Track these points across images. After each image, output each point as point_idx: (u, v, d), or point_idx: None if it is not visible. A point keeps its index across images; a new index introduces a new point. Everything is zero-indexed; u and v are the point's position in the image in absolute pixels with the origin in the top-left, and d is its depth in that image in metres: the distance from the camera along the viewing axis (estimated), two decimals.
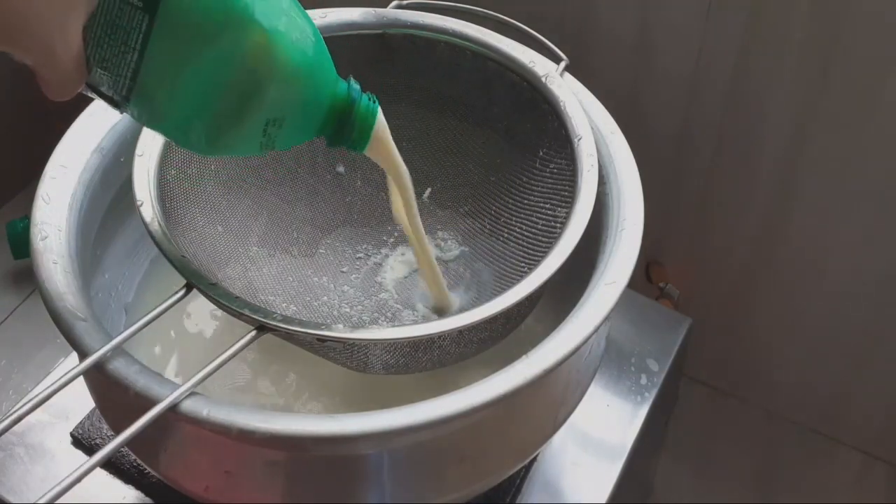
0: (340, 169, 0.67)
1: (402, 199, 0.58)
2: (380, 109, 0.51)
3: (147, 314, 0.50)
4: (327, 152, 0.66)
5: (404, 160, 0.66)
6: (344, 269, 0.65)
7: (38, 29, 0.40)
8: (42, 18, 0.40)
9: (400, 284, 0.64)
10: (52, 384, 0.46)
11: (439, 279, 0.61)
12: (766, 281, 0.91)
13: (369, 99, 0.50)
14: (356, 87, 0.50)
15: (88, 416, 0.68)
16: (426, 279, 0.62)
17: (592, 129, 0.59)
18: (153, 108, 0.45)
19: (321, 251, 0.66)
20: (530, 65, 0.61)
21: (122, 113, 0.46)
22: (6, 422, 0.44)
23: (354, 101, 0.49)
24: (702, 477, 1.08)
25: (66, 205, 0.57)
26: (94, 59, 0.43)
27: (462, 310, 0.53)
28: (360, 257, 0.66)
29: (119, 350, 0.48)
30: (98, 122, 0.61)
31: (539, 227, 0.60)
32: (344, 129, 0.50)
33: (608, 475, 0.68)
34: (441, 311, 0.62)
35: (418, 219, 0.59)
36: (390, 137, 0.54)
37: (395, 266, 0.66)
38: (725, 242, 0.91)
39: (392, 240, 0.67)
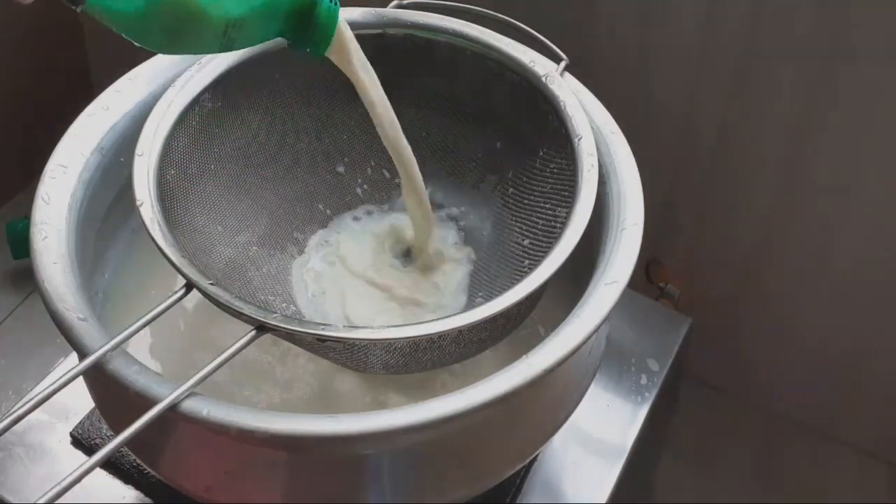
0: (340, 169, 0.67)
1: (371, 109, 0.59)
2: (342, 13, 0.53)
3: (147, 314, 0.50)
4: (327, 152, 0.66)
5: None
6: None
7: None
8: None
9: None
10: (52, 384, 0.46)
11: (425, 204, 0.62)
12: (766, 281, 0.91)
13: (331, 1, 0.51)
14: None
15: (88, 416, 0.68)
16: (408, 201, 0.62)
17: (592, 128, 0.59)
18: (112, 5, 0.45)
19: None
20: (530, 64, 0.61)
21: (80, 11, 0.46)
22: (6, 422, 0.44)
23: (315, 2, 0.50)
24: (702, 477, 1.08)
25: (66, 205, 0.57)
26: None
27: (462, 310, 0.53)
28: None
29: (119, 350, 0.48)
30: (98, 122, 0.61)
31: (539, 227, 0.60)
32: (306, 31, 0.51)
33: (608, 475, 0.68)
34: (421, 241, 0.63)
35: (396, 126, 0.59)
36: (352, 39, 0.56)
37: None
38: (725, 242, 0.91)
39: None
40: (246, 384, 0.61)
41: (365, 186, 0.68)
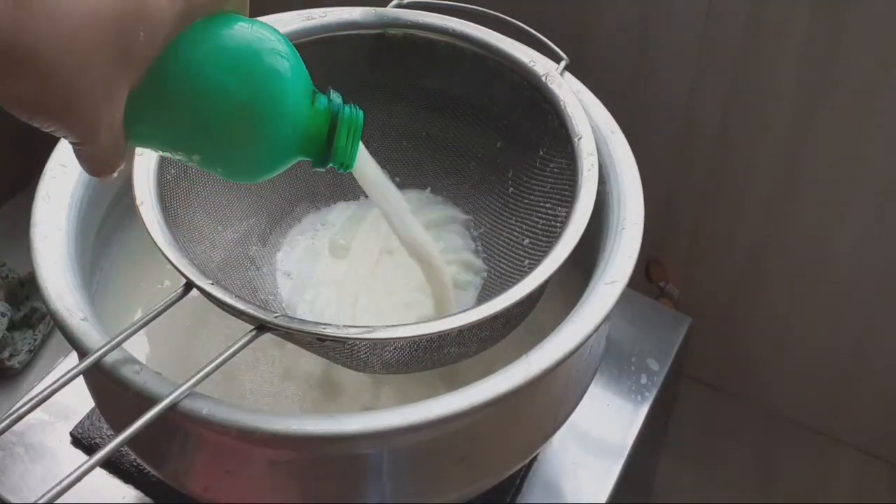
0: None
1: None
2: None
3: (147, 314, 0.49)
4: None
5: (404, 160, 0.67)
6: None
7: (84, 105, 0.39)
8: (89, 95, 0.38)
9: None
10: (52, 384, 0.46)
11: (447, 295, 0.60)
12: (766, 280, 0.91)
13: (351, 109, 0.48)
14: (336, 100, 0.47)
15: (88, 416, 0.68)
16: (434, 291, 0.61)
17: (592, 128, 0.59)
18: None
19: None
20: (530, 64, 0.61)
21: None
22: (6, 421, 0.44)
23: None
24: (702, 477, 1.08)
25: (66, 204, 0.57)
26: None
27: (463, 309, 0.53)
28: None
29: (119, 349, 0.48)
30: None
31: (539, 226, 0.60)
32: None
33: (608, 475, 0.68)
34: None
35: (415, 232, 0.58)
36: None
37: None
38: (725, 242, 0.91)
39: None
40: (246, 373, 0.62)
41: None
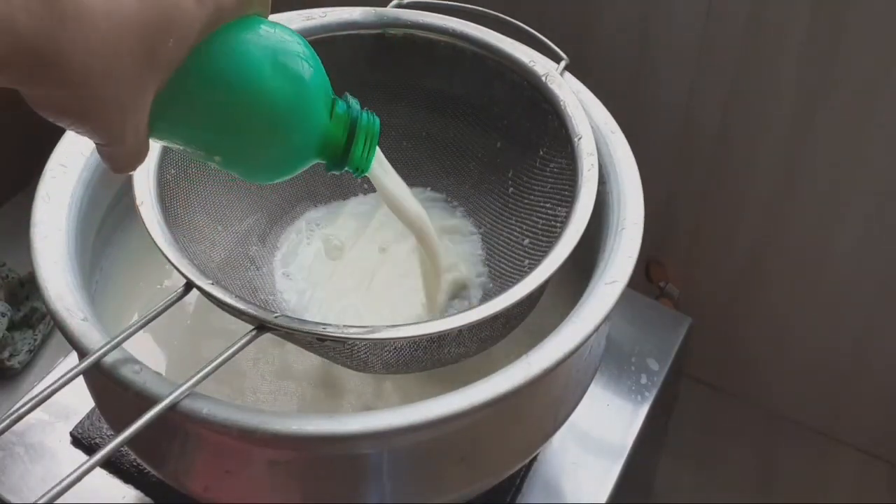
0: None
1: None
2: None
3: (147, 314, 0.49)
4: None
5: (404, 160, 0.67)
6: None
7: (113, 110, 0.39)
8: (118, 100, 0.39)
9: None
10: (52, 384, 0.46)
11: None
12: (766, 280, 0.91)
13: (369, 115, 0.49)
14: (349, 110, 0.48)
15: (88, 416, 0.68)
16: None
17: (592, 128, 0.59)
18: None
19: None
20: (530, 64, 0.61)
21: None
22: (6, 421, 0.44)
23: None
24: (702, 477, 1.08)
25: (66, 204, 0.57)
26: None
27: (462, 309, 0.53)
28: None
29: (119, 349, 0.48)
30: None
31: (539, 226, 0.60)
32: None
33: (608, 475, 0.68)
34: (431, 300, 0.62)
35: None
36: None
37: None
38: (726, 242, 0.91)
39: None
40: (247, 372, 0.62)
41: (366, 186, 0.68)
